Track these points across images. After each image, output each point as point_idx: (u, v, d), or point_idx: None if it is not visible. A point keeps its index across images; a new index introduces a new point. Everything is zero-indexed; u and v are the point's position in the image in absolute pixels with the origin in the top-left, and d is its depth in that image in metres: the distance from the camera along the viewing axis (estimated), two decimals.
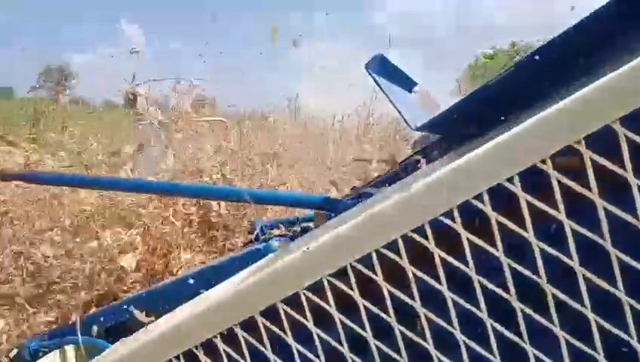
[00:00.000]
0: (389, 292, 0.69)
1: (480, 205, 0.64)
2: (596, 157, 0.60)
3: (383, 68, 0.85)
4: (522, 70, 0.70)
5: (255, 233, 1.23)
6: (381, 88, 0.79)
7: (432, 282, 0.68)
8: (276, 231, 1.24)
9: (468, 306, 0.67)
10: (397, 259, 0.68)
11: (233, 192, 1.25)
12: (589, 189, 0.61)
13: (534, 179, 0.63)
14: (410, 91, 1.19)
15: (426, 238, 0.67)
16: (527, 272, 0.64)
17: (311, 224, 1.18)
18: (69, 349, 1.23)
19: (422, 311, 0.69)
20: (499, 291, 0.66)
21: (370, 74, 0.78)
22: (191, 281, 1.16)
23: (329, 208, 1.04)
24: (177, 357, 0.82)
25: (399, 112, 0.81)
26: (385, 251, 0.68)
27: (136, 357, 0.85)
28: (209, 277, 1.10)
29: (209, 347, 0.80)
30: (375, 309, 0.71)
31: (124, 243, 2.61)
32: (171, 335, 0.82)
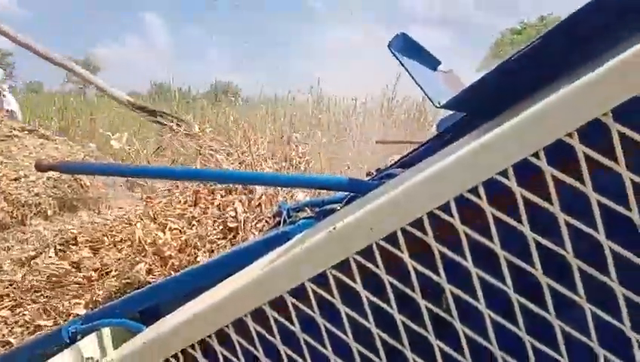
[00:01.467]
0: (415, 270, 0.70)
1: (505, 181, 0.64)
2: (624, 130, 0.59)
3: (406, 46, 0.84)
4: (548, 42, 0.68)
5: (282, 216, 1.25)
6: (404, 67, 0.78)
7: (457, 258, 0.68)
8: (302, 214, 1.25)
9: (493, 281, 0.67)
10: (423, 236, 0.69)
11: (260, 177, 1.26)
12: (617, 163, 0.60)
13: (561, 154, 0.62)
14: (434, 70, 1.18)
15: (451, 215, 0.67)
16: (553, 247, 0.64)
17: (337, 205, 1.19)
18: (106, 332, 1.27)
19: (447, 286, 0.69)
20: (525, 266, 0.66)
21: (393, 53, 0.77)
22: (220, 264, 1.20)
23: (354, 189, 1.05)
24: (210, 337, 0.84)
25: (423, 91, 0.80)
26: (410, 229, 0.69)
27: (171, 337, 0.88)
28: (238, 260, 1.13)
29: (240, 326, 0.82)
30: (401, 286, 0.72)
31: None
32: (202, 316, 0.85)
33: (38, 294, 2.73)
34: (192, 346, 0.86)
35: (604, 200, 0.61)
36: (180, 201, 3.18)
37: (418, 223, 0.69)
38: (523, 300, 0.67)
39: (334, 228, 0.73)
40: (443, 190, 0.66)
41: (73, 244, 3.24)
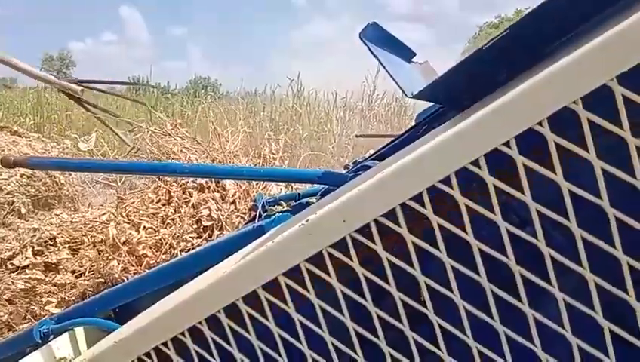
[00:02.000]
0: (389, 261, 0.69)
1: (477, 170, 0.64)
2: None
3: (378, 36, 0.83)
4: (519, 32, 0.68)
5: (257, 210, 1.24)
6: (375, 56, 0.77)
7: (431, 249, 0.68)
8: (278, 208, 1.24)
9: (467, 272, 0.67)
10: (396, 227, 0.68)
11: (233, 171, 1.25)
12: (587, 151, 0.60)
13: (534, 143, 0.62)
14: (408, 61, 1.18)
15: (424, 206, 0.66)
16: (525, 236, 0.64)
17: (313, 198, 1.18)
18: (79, 331, 1.25)
19: (422, 278, 0.69)
20: (498, 256, 0.65)
21: (364, 42, 0.76)
22: (196, 259, 1.18)
23: (329, 182, 1.04)
24: (183, 334, 0.83)
25: (394, 80, 0.79)
26: (383, 220, 0.68)
27: (143, 336, 0.86)
28: (214, 255, 1.11)
29: (214, 322, 0.81)
30: (376, 279, 0.71)
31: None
32: (176, 312, 0.83)
33: (14, 295, 2.66)
34: (165, 344, 0.85)
35: (575, 189, 0.61)
36: (153, 200, 3.14)
37: (391, 214, 0.68)
38: (497, 291, 0.67)
39: (307, 221, 0.72)
40: (415, 181, 0.65)
41: (52, 245, 3.17)
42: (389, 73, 0.78)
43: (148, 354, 0.86)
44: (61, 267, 2.91)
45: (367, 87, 10.89)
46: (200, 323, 0.82)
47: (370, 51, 0.77)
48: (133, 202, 3.15)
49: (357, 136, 8.16)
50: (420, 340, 0.71)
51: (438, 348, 0.71)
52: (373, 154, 1.38)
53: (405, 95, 0.78)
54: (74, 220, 3.49)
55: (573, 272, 0.63)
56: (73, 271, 2.89)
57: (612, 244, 0.61)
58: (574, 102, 0.59)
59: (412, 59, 1.18)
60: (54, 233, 3.15)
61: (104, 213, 3.96)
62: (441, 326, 0.70)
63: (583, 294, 0.64)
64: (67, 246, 3.08)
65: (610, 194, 0.60)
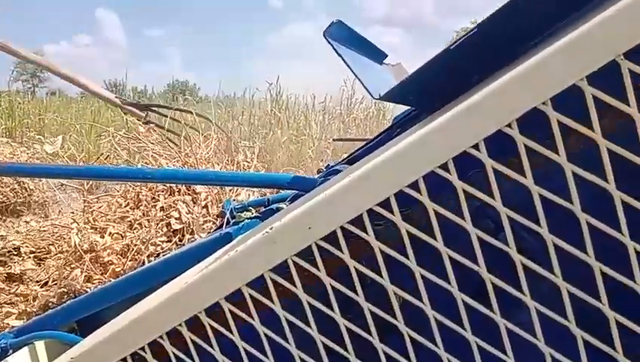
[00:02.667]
0: (354, 267, 0.67)
1: (446, 174, 0.61)
2: (564, 119, 0.57)
3: (344, 36, 0.80)
4: (490, 27, 0.66)
5: (225, 216, 1.20)
6: (340, 55, 0.74)
7: (399, 257, 0.65)
8: (247, 214, 1.20)
9: (436, 280, 0.64)
10: (363, 234, 0.65)
11: (200, 176, 1.21)
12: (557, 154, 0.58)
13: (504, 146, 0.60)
14: (380, 63, 1.16)
15: (391, 212, 0.64)
16: (494, 242, 0.62)
17: (282, 204, 1.15)
18: (40, 345, 1.19)
19: (390, 287, 0.66)
20: (468, 263, 0.63)
21: (328, 41, 0.73)
22: (161, 268, 1.13)
23: (298, 187, 1.01)
24: (143, 349, 0.78)
25: (360, 81, 0.76)
26: (349, 226, 0.65)
27: (102, 350, 0.81)
28: (180, 263, 1.07)
29: (176, 335, 0.77)
30: (340, 286, 0.68)
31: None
32: (137, 325, 0.79)
33: None
34: (124, 360, 0.80)
35: (545, 193, 0.59)
36: (121, 205, 3.05)
37: (358, 221, 0.65)
38: (468, 300, 0.65)
39: (271, 229, 0.69)
40: (382, 186, 0.63)
41: (16, 255, 3.06)
42: (354, 73, 0.75)
43: None
44: (25, 277, 2.80)
45: (346, 91, 10.91)
46: (161, 337, 0.77)
47: (334, 50, 0.74)
48: (100, 206, 3.06)
49: (334, 140, 8.15)
50: (390, 352, 0.69)
51: (409, 359, 0.69)
52: (346, 158, 1.36)
53: (372, 96, 0.76)
54: (42, 228, 3.38)
55: (547, 279, 0.61)
56: (38, 282, 2.79)
57: (584, 250, 0.59)
58: (544, 103, 0.57)
59: (384, 61, 1.15)
60: (17, 243, 3.04)
61: (73, 221, 3.86)
62: (411, 337, 0.68)
63: (557, 302, 0.62)
64: (32, 256, 2.98)
65: (582, 198, 0.58)
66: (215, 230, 1.48)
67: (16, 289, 2.68)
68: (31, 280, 2.81)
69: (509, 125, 0.58)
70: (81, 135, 10.06)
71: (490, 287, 0.63)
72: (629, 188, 0.57)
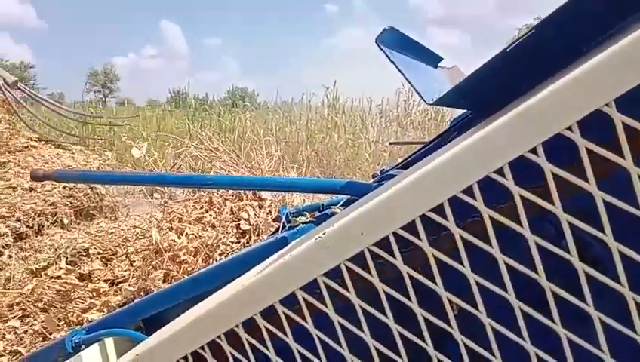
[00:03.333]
0: (409, 275, 0.66)
1: (502, 180, 0.60)
2: (629, 121, 0.54)
3: (397, 41, 0.80)
4: (547, 29, 0.64)
5: (282, 221, 1.22)
6: (392, 61, 0.74)
7: (453, 263, 0.64)
8: (302, 218, 1.22)
9: (492, 287, 0.63)
10: (416, 240, 0.65)
11: (257, 181, 1.24)
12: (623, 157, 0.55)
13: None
14: (435, 66, 1.14)
15: (445, 218, 0.63)
16: (554, 249, 0.59)
17: (337, 209, 1.15)
18: (109, 342, 1.26)
19: (444, 294, 0.65)
20: (527, 271, 0.61)
21: (380, 48, 0.73)
22: (221, 271, 1.17)
23: (352, 192, 1.01)
24: (202, 348, 0.82)
25: (413, 86, 0.76)
26: (402, 232, 0.65)
27: (164, 348, 0.85)
28: (239, 266, 1.10)
29: (233, 337, 0.79)
30: (396, 294, 0.68)
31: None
32: (197, 325, 0.82)
33: (48, 304, 2.74)
34: (185, 358, 0.84)
35: (610, 199, 0.56)
36: (196, 208, 3.19)
37: (411, 227, 0.65)
38: (526, 308, 0.63)
39: (324, 234, 0.69)
40: (435, 191, 0.62)
41: (85, 256, 3.25)
42: (406, 78, 0.75)
43: None
44: (94, 276, 2.98)
45: (403, 94, 10.80)
46: (219, 337, 0.80)
47: (387, 56, 0.74)
48: (178, 208, 3.21)
49: (390, 143, 8.07)
50: (444, 359, 0.68)
51: None
52: (401, 163, 1.34)
53: (424, 101, 0.75)
54: (110, 230, 3.58)
55: (613, 290, 0.58)
56: (106, 281, 2.96)
57: None
58: (607, 104, 0.54)
59: (439, 64, 1.14)
60: (86, 245, 3.23)
61: (140, 223, 4.05)
62: (466, 346, 0.66)
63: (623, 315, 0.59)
64: (100, 256, 3.16)
65: None
66: (271, 234, 1.51)
67: (87, 285, 2.86)
68: (99, 279, 2.99)
69: (570, 128, 0.56)
70: (148, 142, 10.55)
71: (550, 296, 0.61)
72: None
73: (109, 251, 3.29)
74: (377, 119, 10.92)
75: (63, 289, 2.94)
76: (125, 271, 3.18)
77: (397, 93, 10.92)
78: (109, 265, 3.14)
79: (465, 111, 1.31)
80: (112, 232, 3.63)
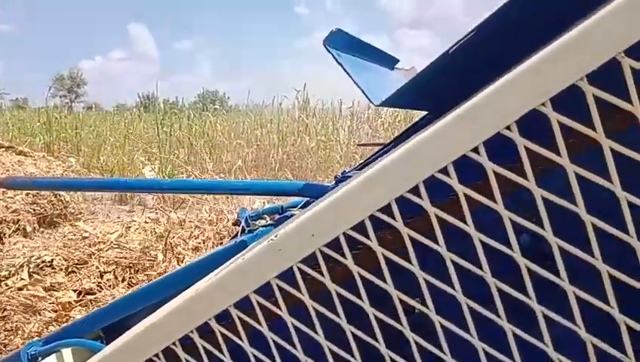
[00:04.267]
0: (359, 275, 0.67)
1: (446, 178, 0.61)
2: (564, 120, 0.56)
3: (346, 43, 0.80)
4: (485, 33, 0.65)
5: (241, 225, 1.22)
6: (340, 63, 0.74)
7: (403, 262, 0.65)
8: (262, 222, 1.22)
9: (442, 285, 0.64)
10: (365, 240, 0.65)
11: (211, 185, 1.23)
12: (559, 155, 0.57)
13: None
14: (391, 68, 1.15)
15: (393, 218, 0.63)
16: (497, 245, 0.61)
17: (296, 210, 1.15)
18: (67, 352, 1.23)
19: (394, 293, 0.66)
20: (473, 268, 0.62)
21: (327, 50, 0.73)
22: (180, 277, 1.16)
23: (310, 194, 1.01)
24: (157, 356, 0.80)
25: (360, 89, 0.76)
26: (351, 233, 0.65)
27: (118, 358, 0.83)
28: (195, 272, 1.09)
29: (188, 342, 0.78)
30: (346, 293, 0.68)
31: None
32: (150, 332, 0.80)
33: (10, 315, 2.66)
34: None
35: (548, 195, 0.58)
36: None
37: (360, 227, 0.65)
38: (474, 305, 0.64)
39: (276, 236, 0.69)
40: (382, 191, 0.63)
41: (48, 266, 3.17)
42: (352, 79, 0.75)
43: None
44: (59, 289, 2.91)
45: None
46: (174, 344, 0.79)
47: (334, 58, 0.74)
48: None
49: (358, 145, 8.13)
50: (396, 358, 0.68)
51: None
52: (360, 164, 1.35)
53: (371, 103, 0.75)
54: (74, 239, 3.49)
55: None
56: (74, 290, 2.89)
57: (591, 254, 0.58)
58: (543, 104, 0.56)
59: (396, 66, 1.15)
60: (48, 258, 3.15)
61: (112, 232, 3.98)
62: (417, 344, 0.67)
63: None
64: (63, 268, 3.08)
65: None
66: (231, 238, 1.50)
67: (53, 296, 2.78)
68: (66, 289, 2.91)
69: (508, 128, 0.57)
70: (115, 147, 10.35)
71: (494, 291, 0.62)
72: None
73: (77, 261, 3.21)
74: (348, 121, 10.99)
75: (28, 301, 2.86)
76: (93, 283, 3.12)
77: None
78: (74, 277, 3.05)
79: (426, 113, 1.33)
80: (85, 237, 3.54)
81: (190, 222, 3.76)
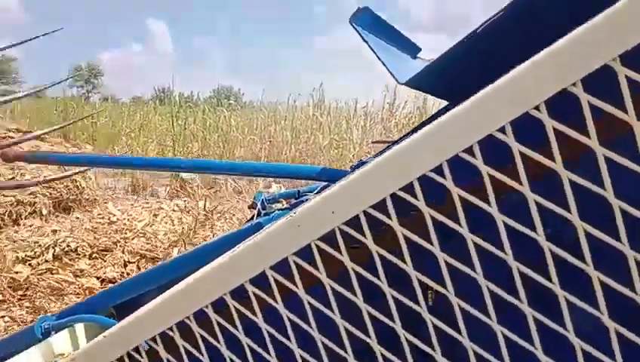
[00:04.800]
0: (378, 253, 0.66)
1: (471, 159, 0.60)
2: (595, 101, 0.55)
3: (374, 24, 0.79)
4: (511, 16, 0.64)
5: (257, 208, 1.22)
6: (365, 41, 0.73)
7: (423, 242, 0.64)
8: (278, 205, 1.22)
9: (462, 267, 0.63)
10: (386, 219, 0.65)
11: (230, 166, 1.23)
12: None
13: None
14: (413, 57, 1.14)
15: (415, 197, 0.63)
16: (523, 229, 0.60)
17: (312, 196, 1.15)
18: (79, 328, 1.24)
19: (414, 273, 0.65)
20: (495, 251, 0.62)
21: (354, 27, 0.72)
22: (194, 257, 1.16)
23: (328, 178, 1.01)
24: (171, 329, 0.81)
25: (385, 66, 0.75)
26: (371, 211, 0.65)
27: (132, 330, 0.84)
28: (213, 252, 1.09)
29: (202, 317, 0.79)
30: (365, 273, 0.68)
31: None
32: (163, 308, 0.81)
33: (36, 296, 2.70)
34: (154, 339, 0.83)
35: (576, 178, 0.57)
36: None
37: (381, 205, 0.65)
38: (494, 287, 0.63)
39: (295, 213, 0.69)
40: (405, 169, 0.62)
41: (73, 251, 3.20)
42: (378, 57, 0.74)
43: (136, 349, 0.84)
44: (83, 275, 2.94)
45: (388, 96, 10.86)
46: (188, 318, 0.79)
47: (360, 36, 0.73)
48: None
49: (373, 142, 8.10)
50: (413, 340, 0.68)
51: (433, 348, 0.67)
52: (377, 153, 1.34)
53: (397, 81, 0.75)
54: (101, 223, 3.52)
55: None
56: (97, 277, 2.92)
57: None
58: (574, 84, 0.55)
59: (418, 55, 1.14)
60: (74, 244, 3.17)
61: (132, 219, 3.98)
62: (436, 326, 0.67)
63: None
64: (87, 255, 3.10)
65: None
66: (247, 221, 1.50)
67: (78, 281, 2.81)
68: (90, 275, 2.94)
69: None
70: (130, 138, 10.44)
71: (516, 276, 0.61)
72: None
73: (103, 248, 3.23)
74: (362, 120, 10.96)
75: (59, 285, 2.89)
76: (117, 272, 3.14)
77: (382, 95, 10.97)
78: (100, 263, 3.08)
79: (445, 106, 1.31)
80: (113, 222, 3.55)
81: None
